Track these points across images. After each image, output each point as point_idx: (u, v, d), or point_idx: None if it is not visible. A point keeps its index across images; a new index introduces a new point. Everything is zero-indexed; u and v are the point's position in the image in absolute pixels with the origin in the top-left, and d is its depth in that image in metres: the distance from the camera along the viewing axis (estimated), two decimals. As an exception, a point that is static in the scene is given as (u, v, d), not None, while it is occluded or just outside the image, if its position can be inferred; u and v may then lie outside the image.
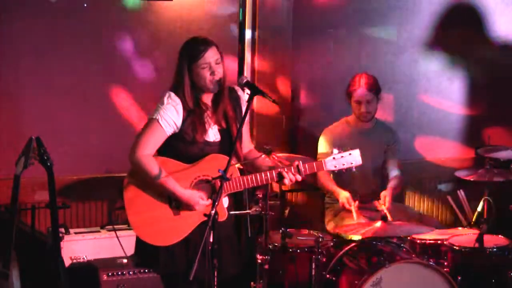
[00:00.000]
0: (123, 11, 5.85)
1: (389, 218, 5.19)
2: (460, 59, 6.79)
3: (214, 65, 4.18)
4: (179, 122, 4.19)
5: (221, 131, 4.29)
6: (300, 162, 4.25)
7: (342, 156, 4.36)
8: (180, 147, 4.22)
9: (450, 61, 6.78)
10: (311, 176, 5.78)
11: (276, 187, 5.88)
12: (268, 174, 4.24)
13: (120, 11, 5.84)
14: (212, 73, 4.18)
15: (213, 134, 4.27)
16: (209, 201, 4.21)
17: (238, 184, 4.22)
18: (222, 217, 4.22)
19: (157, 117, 4.17)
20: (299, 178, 4.26)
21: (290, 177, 4.23)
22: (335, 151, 4.40)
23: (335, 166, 4.36)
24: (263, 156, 4.33)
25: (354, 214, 5.41)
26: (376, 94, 5.68)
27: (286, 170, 4.22)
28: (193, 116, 4.21)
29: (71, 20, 5.71)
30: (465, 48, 6.79)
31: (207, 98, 4.28)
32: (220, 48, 4.26)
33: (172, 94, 4.21)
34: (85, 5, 5.73)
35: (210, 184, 4.22)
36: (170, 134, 4.20)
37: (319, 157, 5.66)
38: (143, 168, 4.14)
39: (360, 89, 5.63)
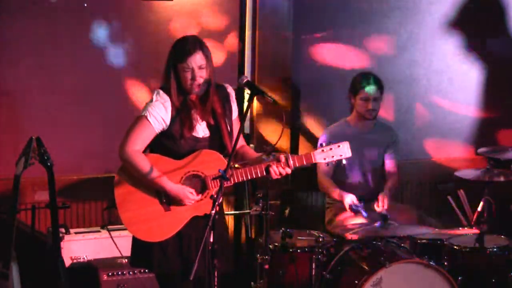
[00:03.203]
0: (123, 12, 5.86)
1: (385, 209, 5.21)
2: (470, 57, 6.82)
3: (197, 70, 4.19)
4: (167, 119, 4.22)
5: (209, 126, 4.31)
6: (289, 154, 4.24)
7: (330, 148, 4.29)
8: (170, 144, 4.25)
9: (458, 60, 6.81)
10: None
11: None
12: (257, 168, 4.24)
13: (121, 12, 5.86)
14: (193, 78, 4.20)
15: (201, 129, 4.28)
16: (199, 196, 4.22)
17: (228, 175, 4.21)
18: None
19: (145, 114, 4.21)
20: (288, 171, 4.24)
21: (279, 171, 4.21)
22: (321, 145, 4.37)
23: (325, 159, 4.29)
24: (263, 157, 4.33)
25: (364, 213, 5.42)
26: (381, 93, 5.71)
27: (275, 163, 4.21)
28: (181, 112, 4.24)
29: (71, 20, 5.72)
30: (477, 46, 6.81)
31: (195, 96, 4.30)
32: (207, 51, 4.23)
33: (161, 92, 4.25)
34: (85, 5, 5.74)
35: (199, 179, 4.23)
36: (159, 131, 4.23)
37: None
38: (132, 163, 4.18)
39: (369, 86, 5.65)
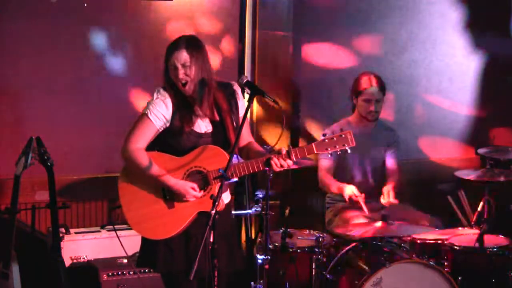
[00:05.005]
0: (124, 12, 5.86)
1: (392, 200, 5.20)
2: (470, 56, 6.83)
3: (180, 68, 4.21)
4: (168, 116, 4.25)
5: (213, 122, 4.31)
6: (290, 146, 4.22)
7: (333, 138, 4.19)
8: (172, 140, 4.26)
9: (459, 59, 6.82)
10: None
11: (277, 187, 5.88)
12: (258, 161, 4.23)
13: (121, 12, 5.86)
14: (176, 76, 4.22)
15: (204, 125, 4.29)
16: (202, 192, 4.22)
17: (230, 174, 4.20)
18: (219, 207, 4.17)
19: (146, 112, 4.24)
20: (290, 163, 4.21)
21: (281, 163, 4.19)
22: (324, 135, 4.30)
23: (327, 149, 4.19)
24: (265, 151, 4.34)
25: (363, 205, 5.42)
26: (384, 94, 5.72)
27: (276, 156, 4.20)
28: (182, 108, 4.25)
29: (71, 20, 5.71)
30: (477, 45, 6.82)
31: (190, 92, 4.31)
32: (194, 50, 4.21)
33: (161, 89, 4.29)
34: (86, 5, 5.73)
35: (202, 175, 4.24)
36: (161, 127, 4.25)
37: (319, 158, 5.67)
38: (134, 161, 4.20)
39: (372, 88, 5.65)
